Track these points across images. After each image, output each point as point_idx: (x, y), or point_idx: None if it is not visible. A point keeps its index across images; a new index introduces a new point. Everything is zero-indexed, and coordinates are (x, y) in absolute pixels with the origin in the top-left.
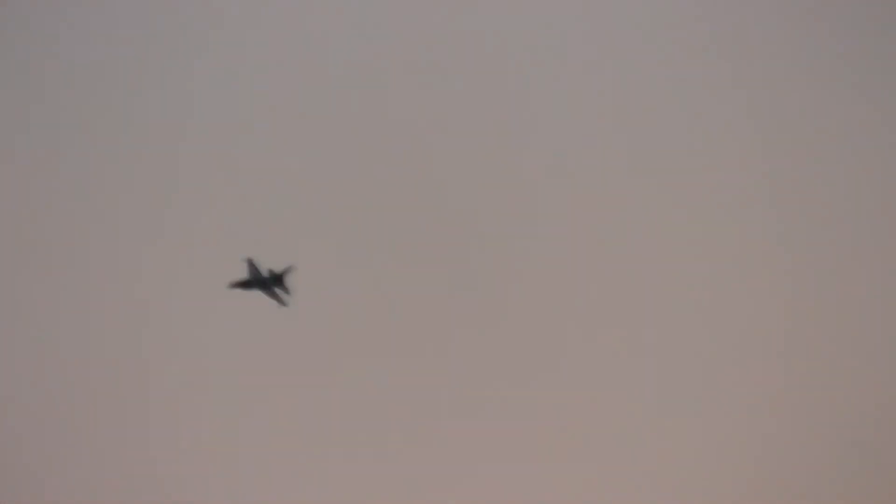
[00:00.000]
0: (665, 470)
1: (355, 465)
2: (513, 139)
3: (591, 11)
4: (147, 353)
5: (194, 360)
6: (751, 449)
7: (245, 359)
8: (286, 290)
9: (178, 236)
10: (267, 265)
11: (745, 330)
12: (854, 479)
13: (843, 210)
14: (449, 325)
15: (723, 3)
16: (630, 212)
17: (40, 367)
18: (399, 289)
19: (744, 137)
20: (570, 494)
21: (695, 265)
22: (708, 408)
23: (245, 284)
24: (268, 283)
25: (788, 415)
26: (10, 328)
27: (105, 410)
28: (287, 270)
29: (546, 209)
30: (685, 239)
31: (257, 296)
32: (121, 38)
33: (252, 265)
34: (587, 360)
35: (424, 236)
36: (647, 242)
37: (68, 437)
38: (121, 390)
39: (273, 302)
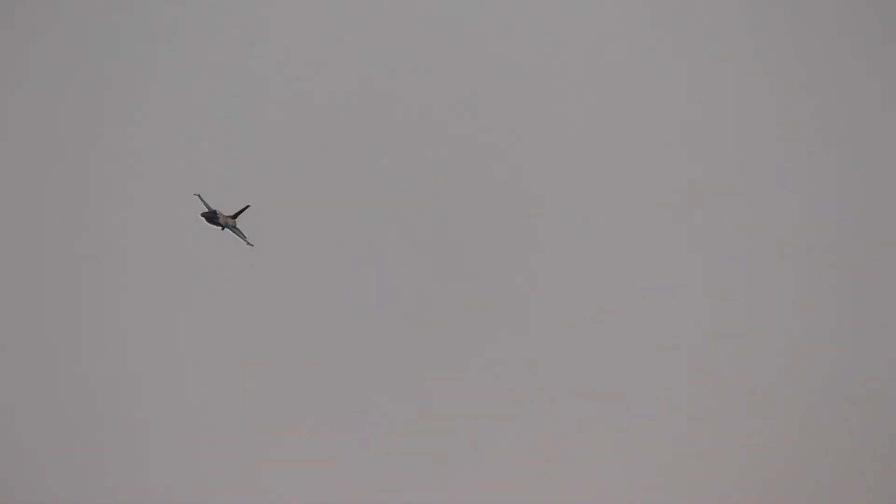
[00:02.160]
0: (674, 468)
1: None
2: (521, 138)
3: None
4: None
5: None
6: (761, 450)
7: (246, 355)
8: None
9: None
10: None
11: (755, 331)
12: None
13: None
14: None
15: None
16: (638, 215)
17: (36, 361)
18: (412, 292)
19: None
20: (575, 494)
21: (704, 267)
22: (713, 406)
23: (210, 218)
24: (228, 221)
25: (793, 415)
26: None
27: (105, 407)
28: (242, 210)
29: (554, 212)
30: (694, 243)
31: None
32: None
33: (203, 201)
34: (595, 360)
35: (443, 241)
36: (654, 247)
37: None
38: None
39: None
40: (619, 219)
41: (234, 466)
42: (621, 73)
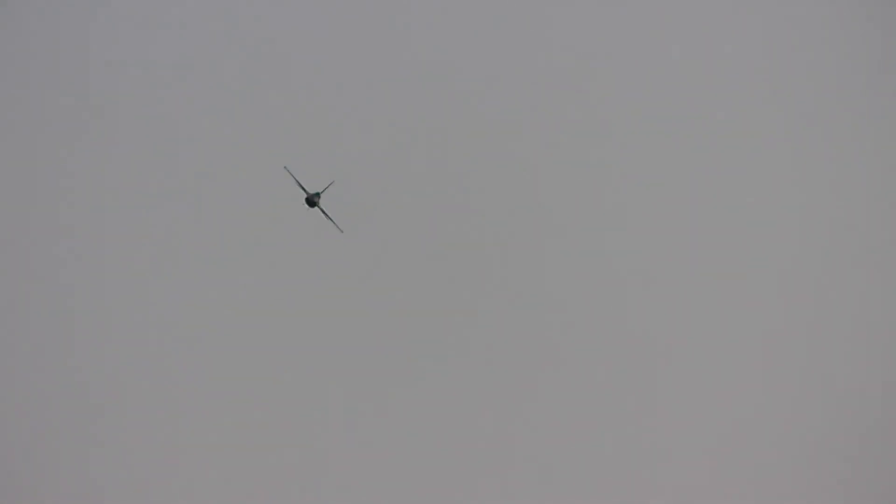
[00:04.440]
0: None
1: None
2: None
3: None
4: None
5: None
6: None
7: (250, 355)
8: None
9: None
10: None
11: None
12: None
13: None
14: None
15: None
16: (639, 215)
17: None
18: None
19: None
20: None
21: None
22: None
23: (309, 201)
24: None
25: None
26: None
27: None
28: (327, 187)
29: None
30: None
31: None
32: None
33: (293, 177)
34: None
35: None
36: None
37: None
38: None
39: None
40: (622, 215)
41: (231, 469)
42: (642, 69)
